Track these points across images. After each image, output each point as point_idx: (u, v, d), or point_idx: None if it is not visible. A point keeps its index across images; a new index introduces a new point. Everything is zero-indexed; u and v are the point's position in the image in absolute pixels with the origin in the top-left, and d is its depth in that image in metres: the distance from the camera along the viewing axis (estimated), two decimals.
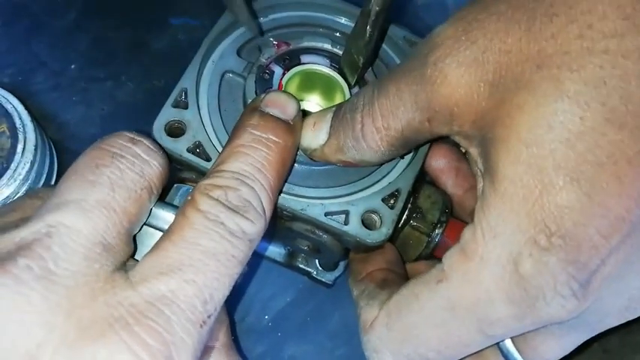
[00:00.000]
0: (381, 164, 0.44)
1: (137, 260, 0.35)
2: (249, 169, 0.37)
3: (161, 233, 0.37)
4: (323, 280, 0.58)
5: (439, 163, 0.48)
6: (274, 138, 0.38)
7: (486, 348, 0.38)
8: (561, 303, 0.32)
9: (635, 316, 0.36)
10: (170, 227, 0.35)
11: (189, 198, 0.35)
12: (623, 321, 0.37)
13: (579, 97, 0.31)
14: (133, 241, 0.36)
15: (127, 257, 0.35)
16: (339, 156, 0.41)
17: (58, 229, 0.32)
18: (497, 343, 0.39)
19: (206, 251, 0.33)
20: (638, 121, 0.30)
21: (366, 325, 0.41)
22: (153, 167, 0.36)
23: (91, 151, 0.36)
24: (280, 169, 0.38)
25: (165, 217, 0.38)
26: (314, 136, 0.42)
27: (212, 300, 0.33)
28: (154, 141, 0.38)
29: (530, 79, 0.32)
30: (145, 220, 0.37)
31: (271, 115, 0.39)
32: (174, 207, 0.38)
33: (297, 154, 0.43)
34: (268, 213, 0.37)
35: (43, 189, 0.37)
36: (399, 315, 0.38)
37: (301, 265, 0.58)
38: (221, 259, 0.34)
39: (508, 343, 0.39)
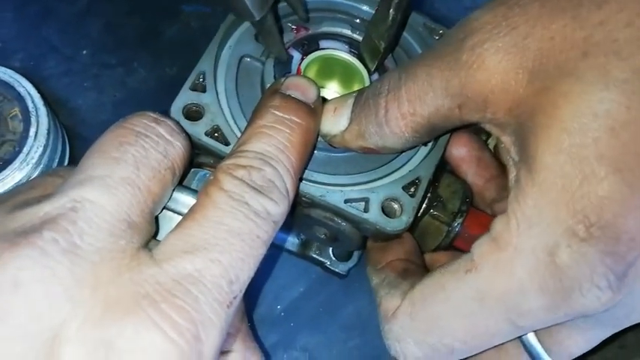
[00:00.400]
0: (403, 151, 0.43)
1: (159, 241, 0.34)
2: (272, 150, 0.36)
3: (180, 217, 0.37)
4: (337, 270, 0.57)
5: (460, 151, 0.47)
6: (297, 119, 0.38)
7: (508, 342, 0.38)
8: (597, 294, 0.32)
9: None
10: (193, 207, 0.34)
11: (212, 177, 0.35)
12: None
13: (627, 85, 0.30)
14: (155, 222, 0.36)
15: (150, 236, 0.34)
16: (361, 142, 0.40)
17: (83, 205, 0.31)
18: (520, 337, 0.38)
19: (231, 230, 0.33)
20: None
21: (388, 313, 0.40)
22: (176, 148, 0.36)
23: (115, 129, 0.35)
24: (302, 150, 0.38)
25: (184, 200, 0.37)
26: (334, 122, 0.41)
27: (238, 281, 0.32)
28: (177, 122, 0.38)
29: (575, 67, 0.31)
30: (166, 202, 0.36)
31: (293, 98, 0.39)
32: (194, 191, 0.38)
33: (317, 140, 0.42)
34: (291, 194, 0.37)
35: (63, 168, 0.37)
36: (423, 304, 0.38)
37: (315, 255, 0.57)
38: (246, 239, 0.33)
39: (531, 337, 0.38)
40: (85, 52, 0.67)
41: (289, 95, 0.39)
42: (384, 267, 0.44)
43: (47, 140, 0.53)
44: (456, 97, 0.35)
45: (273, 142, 0.36)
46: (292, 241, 0.58)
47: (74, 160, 0.60)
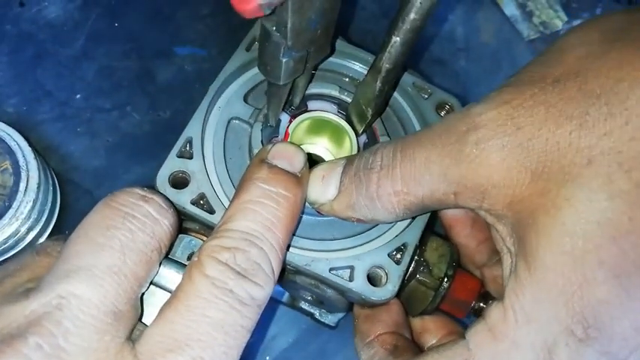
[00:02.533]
0: (392, 222, 0.43)
1: (144, 324, 0.34)
2: (258, 228, 0.36)
3: (165, 292, 0.37)
4: (326, 322, 0.57)
5: (456, 212, 0.47)
6: (284, 192, 0.37)
7: None
8: None
9: None
10: (176, 292, 0.34)
11: (196, 259, 0.35)
12: None
13: (629, 197, 0.32)
14: (140, 303, 0.36)
15: (135, 322, 0.34)
16: (350, 213, 0.40)
17: (69, 301, 0.31)
18: None
19: (214, 323, 0.33)
20: None
21: None
22: (163, 227, 0.36)
23: (102, 208, 0.35)
24: (289, 224, 0.38)
25: (170, 277, 0.37)
26: (322, 191, 0.41)
27: None
28: (166, 198, 0.38)
29: (579, 173, 0.33)
30: (151, 280, 0.36)
31: (280, 168, 0.39)
32: (180, 265, 0.38)
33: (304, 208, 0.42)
34: (277, 273, 0.37)
35: (51, 244, 0.37)
36: None
37: (304, 307, 0.57)
38: (229, 330, 0.33)
39: None
40: (78, 96, 0.67)
41: (276, 166, 0.39)
42: (373, 341, 0.44)
43: (37, 194, 0.53)
44: (454, 184, 0.36)
45: (260, 219, 0.36)
46: (282, 292, 0.58)
47: (65, 208, 0.60)
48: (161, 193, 0.38)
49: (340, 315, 0.57)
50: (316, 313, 0.57)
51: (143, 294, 0.36)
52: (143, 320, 0.35)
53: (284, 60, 0.38)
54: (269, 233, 0.36)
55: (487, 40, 0.79)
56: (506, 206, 0.35)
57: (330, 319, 0.57)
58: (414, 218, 0.44)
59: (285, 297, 0.57)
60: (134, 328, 0.34)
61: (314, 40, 0.39)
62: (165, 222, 0.36)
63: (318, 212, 0.42)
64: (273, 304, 0.58)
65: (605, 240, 0.32)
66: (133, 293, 0.33)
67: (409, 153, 0.37)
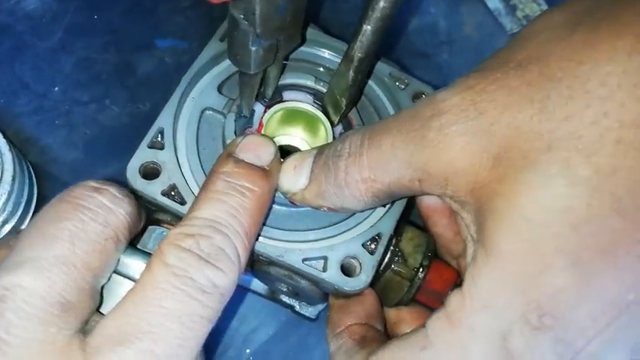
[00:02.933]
0: (362, 211, 0.43)
1: (102, 314, 0.34)
2: (223, 216, 0.36)
3: (131, 282, 0.36)
4: (306, 314, 0.57)
5: (433, 202, 0.46)
6: (249, 185, 0.37)
7: None
8: None
9: None
10: (136, 284, 0.34)
11: (157, 249, 0.34)
12: None
13: (589, 183, 0.31)
14: (100, 293, 0.35)
15: (91, 312, 0.34)
16: (320, 201, 0.40)
17: (14, 292, 0.30)
18: None
19: (169, 314, 0.32)
20: None
21: None
22: (119, 216, 0.35)
23: (55, 202, 0.35)
24: (256, 215, 0.37)
25: (135, 265, 0.36)
26: (294, 180, 0.41)
27: None
28: (122, 188, 0.37)
29: (538, 159, 0.32)
30: (112, 270, 0.36)
31: (246, 163, 0.38)
32: (146, 254, 0.37)
33: (275, 196, 0.42)
34: (243, 260, 0.36)
35: (14, 238, 0.36)
36: None
37: (284, 299, 0.57)
38: (186, 321, 0.32)
39: None
40: (56, 88, 0.66)
41: (242, 160, 0.38)
42: (343, 332, 0.44)
43: (12, 187, 0.52)
44: (418, 171, 0.36)
45: (225, 208, 0.36)
46: (262, 285, 0.57)
47: (43, 200, 0.59)
48: (117, 184, 0.38)
49: (320, 307, 0.57)
50: (296, 305, 0.57)
51: (104, 285, 0.35)
52: (105, 311, 0.35)
53: (253, 49, 0.38)
54: (234, 220, 0.36)
55: (470, 34, 0.79)
56: (469, 192, 0.35)
57: (311, 311, 0.57)
58: (389, 207, 0.44)
59: (265, 289, 0.57)
60: (90, 319, 0.34)
61: (283, 28, 0.38)
62: (120, 211, 0.35)
63: (291, 202, 0.42)
64: (252, 296, 0.58)
65: (564, 227, 0.31)
66: (85, 284, 0.33)
67: (376, 140, 0.37)
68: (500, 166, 0.33)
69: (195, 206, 0.36)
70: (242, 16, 0.36)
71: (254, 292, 0.58)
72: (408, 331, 0.45)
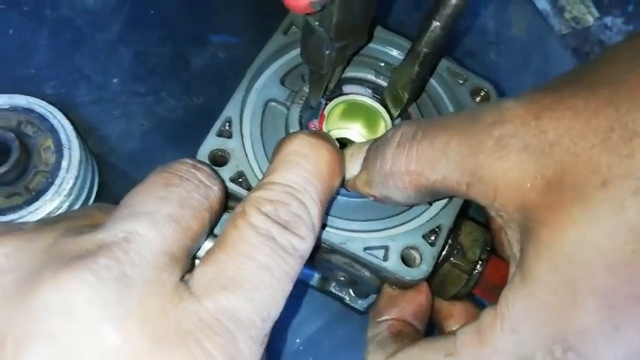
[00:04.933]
0: (410, 205, 0.43)
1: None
2: (299, 181, 0.37)
3: None
4: (355, 306, 0.57)
5: None
6: (326, 144, 0.39)
7: None
8: None
9: None
10: (222, 238, 0.35)
11: (240, 210, 0.36)
12: None
13: (637, 228, 0.30)
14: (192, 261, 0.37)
15: (186, 271, 0.35)
16: (367, 189, 0.41)
17: (134, 236, 0.33)
18: None
19: (261, 266, 0.34)
20: None
21: None
22: (214, 192, 0.38)
23: (160, 172, 0.37)
24: (330, 179, 0.39)
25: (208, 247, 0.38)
26: (349, 167, 0.42)
27: (269, 317, 0.34)
28: (213, 168, 0.40)
29: (591, 194, 0.31)
30: (204, 240, 0.38)
31: (319, 131, 0.40)
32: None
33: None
34: (318, 227, 0.38)
35: (106, 204, 0.39)
36: None
37: (334, 291, 0.58)
38: (275, 275, 0.34)
39: None
40: (115, 80, 0.68)
41: (315, 130, 0.40)
42: (383, 322, 0.45)
43: (79, 172, 0.54)
44: (468, 175, 0.36)
45: (301, 172, 0.37)
46: (312, 276, 0.58)
47: (102, 188, 0.61)
48: (209, 164, 0.40)
49: (370, 300, 0.57)
50: (346, 297, 0.58)
51: (195, 256, 0.37)
52: None
53: (327, 52, 0.39)
54: (310, 186, 0.37)
55: (518, 34, 0.79)
56: (517, 210, 0.34)
57: (360, 304, 0.57)
58: (449, 201, 0.45)
59: (315, 280, 0.58)
60: (185, 276, 0.35)
61: (355, 31, 0.39)
62: (215, 188, 0.38)
63: (347, 190, 0.43)
64: (302, 287, 0.59)
65: (602, 268, 0.31)
66: (186, 243, 0.35)
67: (430, 134, 0.37)
68: (552, 192, 0.33)
69: (273, 169, 0.38)
70: (317, 23, 0.38)
71: (304, 282, 0.59)
72: (456, 327, 0.46)
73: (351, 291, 0.57)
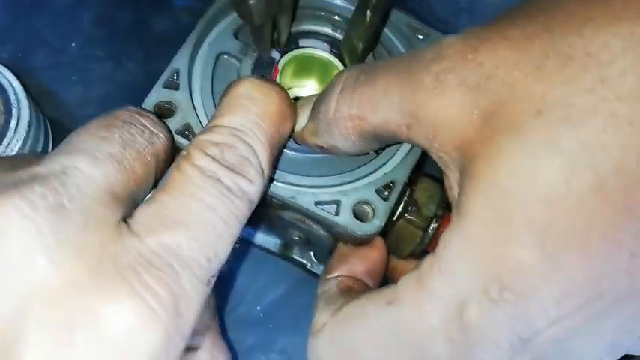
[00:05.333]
0: (358, 155, 0.42)
1: None
2: (246, 124, 0.36)
3: None
4: (317, 272, 0.56)
5: None
6: (275, 87, 0.38)
7: None
8: (498, 354, 0.31)
9: None
10: (166, 182, 0.34)
11: (184, 153, 0.35)
12: None
13: (572, 157, 0.29)
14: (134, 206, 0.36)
15: (129, 214, 0.34)
16: (314, 140, 0.40)
17: (73, 171, 0.31)
18: None
19: (207, 207, 0.33)
20: (625, 197, 0.29)
21: (316, 327, 0.39)
22: (160, 139, 0.37)
23: (102, 116, 0.36)
24: (279, 122, 0.38)
25: None
26: (298, 119, 0.41)
27: (215, 258, 0.33)
28: (159, 117, 0.39)
29: (525, 124, 0.30)
30: (149, 191, 0.36)
31: (267, 78, 0.39)
32: None
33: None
34: (267, 170, 0.37)
35: (43, 153, 0.38)
36: (344, 328, 0.37)
37: (296, 257, 0.56)
38: (222, 215, 0.33)
39: None
40: (74, 44, 0.66)
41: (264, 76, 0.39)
42: (333, 279, 0.43)
43: (28, 133, 0.53)
44: (407, 116, 0.34)
45: (249, 115, 0.36)
46: (273, 242, 0.57)
47: None
48: (154, 113, 0.39)
49: None
50: (308, 263, 0.57)
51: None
52: None
53: (252, 2, 0.38)
54: (258, 129, 0.36)
55: (491, 1, 0.78)
56: (455, 149, 0.33)
57: (322, 269, 0.56)
58: (404, 157, 0.43)
59: (276, 246, 0.57)
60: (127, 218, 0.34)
61: None
62: (161, 135, 0.37)
63: (297, 143, 0.42)
64: (263, 254, 0.58)
65: (537, 200, 0.29)
66: (129, 185, 0.34)
67: (372, 77, 0.36)
68: (487, 126, 0.31)
69: (218, 112, 0.37)
70: None
71: (266, 249, 0.58)
72: None
73: (312, 256, 0.56)
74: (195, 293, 0.31)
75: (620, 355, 0.33)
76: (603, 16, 0.30)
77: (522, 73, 0.31)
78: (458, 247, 0.32)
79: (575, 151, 0.29)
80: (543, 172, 0.29)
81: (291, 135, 0.41)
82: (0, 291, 0.28)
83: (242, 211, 0.34)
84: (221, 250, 0.33)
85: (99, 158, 0.32)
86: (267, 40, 0.43)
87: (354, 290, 0.42)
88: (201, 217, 0.33)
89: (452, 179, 0.35)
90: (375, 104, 0.36)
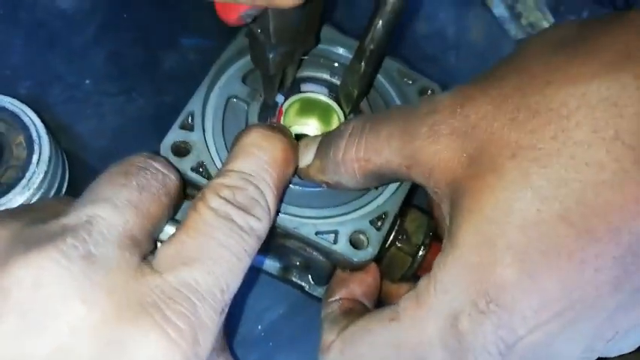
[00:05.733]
0: (360, 190, 0.47)
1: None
2: (255, 169, 0.41)
3: None
4: (314, 294, 0.60)
5: None
6: (281, 136, 0.43)
7: None
8: (487, 359, 0.36)
9: None
10: (183, 222, 0.39)
11: (200, 195, 0.39)
12: None
13: (541, 191, 0.35)
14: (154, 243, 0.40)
15: (148, 253, 0.38)
16: (320, 176, 0.45)
17: (97, 220, 0.36)
18: None
19: (221, 244, 0.37)
20: (587, 223, 0.34)
21: (325, 346, 0.44)
22: (171, 179, 0.41)
23: (119, 163, 0.41)
24: (284, 167, 0.43)
25: (171, 231, 0.41)
26: (303, 157, 0.46)
27: (228, 290, 0.37)
28: (168, 160, 0.43)
29: (503, 165, 0.36)
30: (165, 224, 0.41)
31: (276, 126, 0.44)
32: (178, 222, 0.42)
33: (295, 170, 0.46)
34: (273, 209, 0.41)
35: (67, 197, 0.42)
36: (352, 344, 0.42)
37: (295, 279, 0.60)
38: (234, 251, 0.37)
39: None
40: (88, 81, 0.70)
41: (273, 124, 0.45)
42: (335, 302, 0.48)
43: (48, 167, 0.57)
44: (407, 159, 0.41)
45: (258, 161, 0.41)
46: (274, 265, 0.61)
47: (73, 184, 0.63)
48: (164, 157, 0.43)
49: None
50: (306, 286, 0.61)
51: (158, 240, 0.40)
52: None
53: (270, 56, 0.43)
54: (265, 173, 0.41)
55: (476, 39, 0.83)
56: (447, 186, 0.39)
57: (319, 291, 0.60)
58: (395, 190, 0.48)
59: (277, 270, 0.61)
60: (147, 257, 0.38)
61: (298, 36, 0.44)
62: (171, 176, 0.41)
63: (300, 178, 0.47)
64: (265, 277, 0.62)
65: (515, 227, 0.35)
66: (146, 226, 0.38)
67: (376, 127, 0.42)
68: (473, 165, 0.38)
69: (230, 159, 0.42)
70: (259, 30, 0.41)
71: (267, 272, 0.62)
72: None
73: (310, 279, 0.60)
74: (211, 323, 0.36)
75: (595, 359, 0.39)
76: (560, 80, 0.37)
77: (500, 124, 0.37)
78: (450, 268, 0.37)
79: (543, 186, 0.35)
80: (519, 203, 0.35)
81: (296, 171, 0.46)
82: (46, 331, 0.32)
83: (252, 246, 0.39)
84: (233, 282, 0.38)
85: (118, 205, 0.37)
86: (276, 88, 0.49)
87: (355, 311, 0.47)
88: (216, 253, 0.37)
89: (445, 211, 0.40)
90: (379, 149, 0.42)
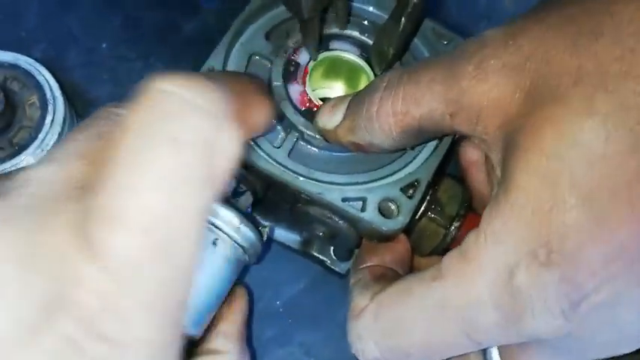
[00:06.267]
0: (391, 152, 0.43)
1: None
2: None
3: None
4: (336, 269, 0.58)
5: (474, 154, 0.46)
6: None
7: (472, 354, 0.39)
8: (548, 319, 0.32)
9: (617, 353, 0.36)
10: None
11: None
12: (603, 356, 0.36)
13: (609, 118, 0.31)
14: None
15: None
16: (350, 137, 0.41)
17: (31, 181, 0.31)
18: (485, 350, 0.39)
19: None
20: None
21: (355, 311, 0.40)
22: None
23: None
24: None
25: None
26: (330, 117, 0.42)
27: None
28: None
29: (564, 94, 0.32)
30: None
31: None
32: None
33: (316, 140, 0.43)
34: None
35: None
36: (389, 307, 0.38)
37: (315, 254, 0.58)
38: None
39: (494, 353, 0.39)
40: (104, 45, 0.68)
41: None
42: (364, 268, 0.45)
43: (62, 128, 0.54)
44: (452, 104, 0.36)
45: None
46: (294, 239, 0.58)
47: None
48: None
49: (350, 263, 0.58)
50: (327, 260, 0.58)
51: None
52: None
53: None
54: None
55: (509, 7, 0.79)
56: (498, 129, 0.35)
57: (342, 267, 0.58)
58: (428, 157, 0.45)
59: (297, 243, 0.58)
60: None
61: None
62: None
63: (326, 141, 0.43)
64: (284, 251, 0.60)
65: (580, 163, 0.31)
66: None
67: (415, 76, 0.38)
68: (529, 101, 0.33)
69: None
70: None
71: (286, 246, 0.59)
72: None
73: (332, 253, 0.57)
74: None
75: None
76: None
77: (559, 50, 0.33)
78: (504, 217, 0.33)
79: (610, 112, 0.31)
80: (584, 134, 0.31)
81: (324, 133, 0.43)
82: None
83: None
84: None
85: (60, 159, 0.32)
86: (316, 36, 0.45)
87: (388, 277, 0.43)
88: None
89: (495, 160, 0.36)
90: (419, 99, 0.37)
